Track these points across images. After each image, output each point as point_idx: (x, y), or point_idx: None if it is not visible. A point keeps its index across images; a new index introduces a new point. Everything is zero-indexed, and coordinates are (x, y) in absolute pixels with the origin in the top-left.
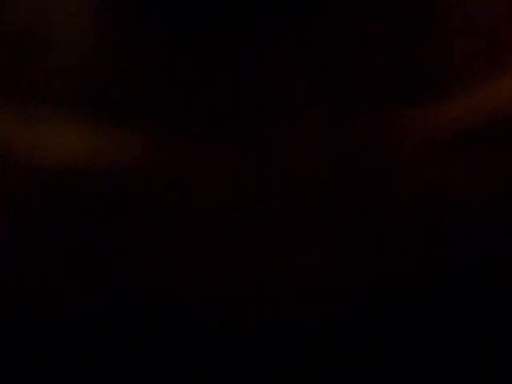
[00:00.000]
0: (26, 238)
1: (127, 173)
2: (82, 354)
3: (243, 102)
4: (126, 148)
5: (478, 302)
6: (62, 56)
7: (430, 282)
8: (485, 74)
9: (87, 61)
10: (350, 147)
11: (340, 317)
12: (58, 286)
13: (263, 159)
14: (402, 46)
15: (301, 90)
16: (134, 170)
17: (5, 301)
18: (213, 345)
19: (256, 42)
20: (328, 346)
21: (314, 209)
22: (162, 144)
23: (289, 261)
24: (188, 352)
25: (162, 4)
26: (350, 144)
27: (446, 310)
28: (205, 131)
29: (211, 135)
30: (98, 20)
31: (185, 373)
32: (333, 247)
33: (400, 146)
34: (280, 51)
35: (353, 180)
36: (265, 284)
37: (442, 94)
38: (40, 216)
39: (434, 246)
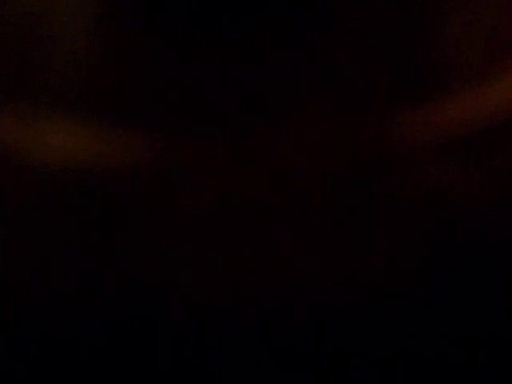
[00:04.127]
0: (26, 237)
1: (127, 172)
2: (83, 355)
3: (243, 101)
4: (125, 148)
5: (478, 301)
6: (63, 56)
7: (430, 282)
8: (485, 74)
9: (87, 61)
10: (349, 147)
11: (339, 317)
12: (57, 285)
13: (263, 159)
14: (402, 46)
15: (301, 90)
16: (134, 170)
17: (5, 301)
18: (213, 345)
19: (256, 42)
20: (328, 346)
21: (313, 208)
22: (162, 144)
23: (289, 260)
24: (188, 352)
25: (163, 4)
26: (349, 144)
27: (446, 310)
28: (205, 131)
29: (212, 135)
30: (98, 20)
31: (184, 373)
32: (332, 247)
33: (400, 146)
34: (280, 51)
35: (353, 180)
36: (264, 284)
37: (442, 94)
38: (40, 216)
39: (433, 245)
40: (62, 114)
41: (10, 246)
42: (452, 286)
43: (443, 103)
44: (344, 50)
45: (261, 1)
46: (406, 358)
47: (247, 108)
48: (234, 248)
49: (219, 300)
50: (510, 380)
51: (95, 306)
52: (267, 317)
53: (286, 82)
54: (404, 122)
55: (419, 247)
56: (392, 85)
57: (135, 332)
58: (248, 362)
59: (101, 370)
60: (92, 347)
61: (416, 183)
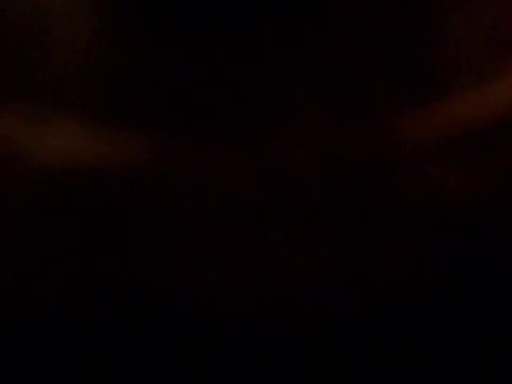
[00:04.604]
0: (26, 237)
1: (127, 172)
2: (83, 355)
3: (243, 102)
4: (125, 148)
5: (479, 301)
6: (63, 56)
7: (430, 282)
8: (485, 74)
9: (87, 61)
10: (349, 147)
11: (339, 316)
12: (57, 285)
13: (263, 159)
14: (402, 47)
15: (301, 90)
16: (134, 170)
17: (5, 301)
18: (213, 345)
19: (256, 42)
20: (328, 346)
21: (313, 208)
22: (162, 144)
23: (289, 260)
24: (188, 352)
25: (163, 4)
26: (349, 144)
27: (446, 310)
28: (205, 131)
29: (212, 135)
30: (98, 20)
31: (184, 373)
32: (332, 247)
33: (400, 146)
34: (280, 51)
35: (352, 180)
36: (264, 284)
37: (442, 94)
38: (40, 216)
39: (433, 246)
40: (62, 113)
41: (10, 245)
42: (452, 286)
43: (443, 103)
44: (344, 50)
45: (261, 1)
46: (406, 358)
47: (247, 108)
48: (234, 248)
49: (219, 300)
50: (510, 380)
51: (95, 306)
52: (267, 316)
53: (286, 82)
54: (404, 122)
55: (419, 247)
56: (392, 85)
57: (135, 332)
58: (248, 361)
59: (101, 369)
60: (92, 347)
61: (416, 183)
